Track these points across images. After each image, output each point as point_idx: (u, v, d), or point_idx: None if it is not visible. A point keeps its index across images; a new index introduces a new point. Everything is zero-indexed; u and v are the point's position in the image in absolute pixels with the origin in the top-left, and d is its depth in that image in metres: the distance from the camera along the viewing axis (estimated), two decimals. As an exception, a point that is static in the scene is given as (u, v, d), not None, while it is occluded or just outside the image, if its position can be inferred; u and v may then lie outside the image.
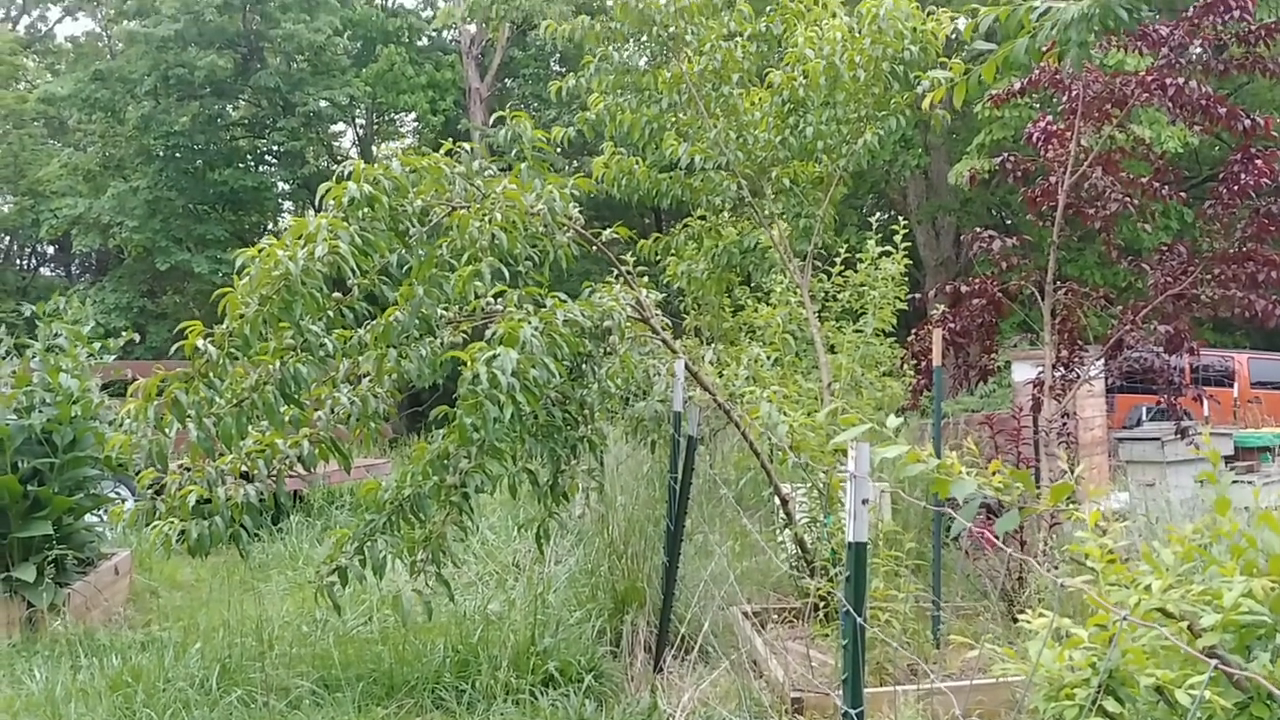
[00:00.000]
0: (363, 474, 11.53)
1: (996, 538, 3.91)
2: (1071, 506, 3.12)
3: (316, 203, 5.06)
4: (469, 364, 4.73)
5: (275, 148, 28.66)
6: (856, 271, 10.70)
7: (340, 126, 32.77)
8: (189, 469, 5.18)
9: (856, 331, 10.25)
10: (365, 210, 4.88)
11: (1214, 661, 1.94)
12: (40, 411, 7.48)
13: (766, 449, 6.40)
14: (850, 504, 2.78)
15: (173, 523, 5.04)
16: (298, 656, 6.08)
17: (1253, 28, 7.11)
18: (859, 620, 2.69)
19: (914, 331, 8.46)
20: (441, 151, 5.42)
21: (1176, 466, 8.62)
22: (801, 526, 6.50)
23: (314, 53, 26.99)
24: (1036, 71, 7.46)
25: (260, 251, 4.62)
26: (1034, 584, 5.85)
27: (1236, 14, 6.98)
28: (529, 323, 5.02)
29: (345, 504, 11.72)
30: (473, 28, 27.28)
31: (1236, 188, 7.24)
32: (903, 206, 22.66)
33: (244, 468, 5.24)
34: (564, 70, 27.82)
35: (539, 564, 7.66)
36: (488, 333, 5.19)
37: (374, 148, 32.34)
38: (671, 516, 5.86)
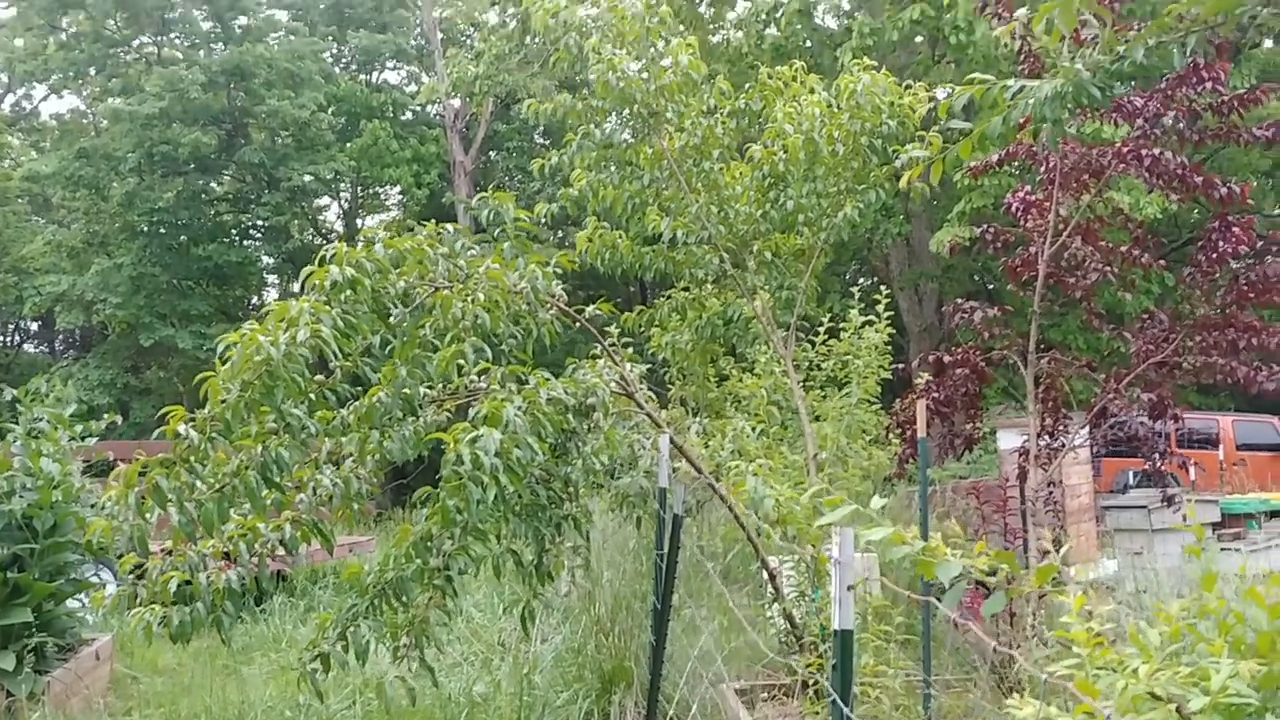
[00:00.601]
0: (346, 552, 11.39)
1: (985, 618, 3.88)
2: (1058, 588, 3.10)
3: (300, 281, 5.05)
4: (452, 445, 4.71)
5: (260, 222, 28.79)
6: (840, 340, 10.74)
7: (325, 200, 32.92)
8: (170, 553, 5.12)
9: (844, 398, 10.24)
10: (348, 293, 4.87)
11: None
12: (21, 496, 7.40)
13: (753, 524, 6.36)
14: (836, 590, 2.75)
15: (154, 609, 4.96)
16: (280, 744, 5.98)
17: (1225, 98, 7.19)
18: (846, 711, 2.65)
19: (899, 400, 8.47)
20: (426, 231, 5.43)
21: (1164, 535, 8.60)
22: (790, 601, 6.45)
23: (298, 128, 27.20)
24: (1013, 145, 7.53)
25: (242, 336, 4.60)
26: (1024, 657, 5.80)
27: (1209, 85, 7.07)
28: (512, 402, 5.00)
29: (329, 583, 11.57)
30: (456, 102, 27.51)
31: (1215, 255, 7.30)
32: (885, 274, 22.80)
33: (225, 549, 5.18)
34: (547, 143, 28.04)
35: (524, 643, 7.56)
36: (471, 411, 5.17)
37: (359, 221, 32.49)
38: (658, 595, 5.80)
